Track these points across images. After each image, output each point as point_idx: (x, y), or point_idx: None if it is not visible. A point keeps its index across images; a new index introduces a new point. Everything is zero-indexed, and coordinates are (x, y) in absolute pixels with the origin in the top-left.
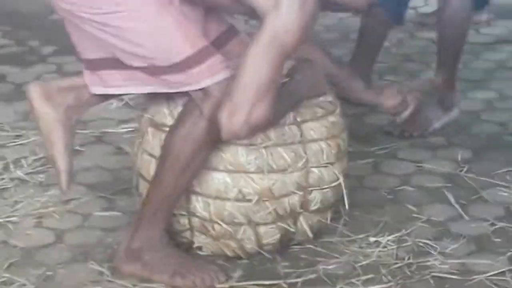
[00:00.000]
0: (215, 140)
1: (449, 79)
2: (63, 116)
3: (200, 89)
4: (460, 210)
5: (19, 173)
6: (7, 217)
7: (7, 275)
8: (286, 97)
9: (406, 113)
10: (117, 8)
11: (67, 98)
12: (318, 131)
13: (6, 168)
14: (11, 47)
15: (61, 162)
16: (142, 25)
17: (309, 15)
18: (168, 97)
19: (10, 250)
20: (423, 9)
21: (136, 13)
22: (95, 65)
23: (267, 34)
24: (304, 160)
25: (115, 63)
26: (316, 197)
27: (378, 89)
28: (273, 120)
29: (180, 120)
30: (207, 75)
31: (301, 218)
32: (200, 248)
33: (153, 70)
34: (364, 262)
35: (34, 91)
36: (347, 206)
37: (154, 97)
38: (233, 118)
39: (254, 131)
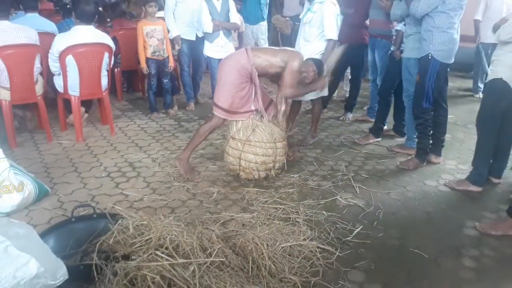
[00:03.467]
0: (211, 132)
1: (314, 131)
2: None
3: (216, 115)
4: (316, 166)
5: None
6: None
7: (179, 184)
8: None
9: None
10: (225, 74)
11: None
12: (280, 145)
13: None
14: None
15: None
16: (225, 82)
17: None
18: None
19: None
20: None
21: (228, 80)
22: None
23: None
24: (275, 153)
25: None
26: (278, 164)
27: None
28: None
29: (205, 122)
30: (219, 112)
31: (272, 170)
32: (241, 176)
33: (214, 102)
34: (289, 183)
35: None
36: (286, 168)
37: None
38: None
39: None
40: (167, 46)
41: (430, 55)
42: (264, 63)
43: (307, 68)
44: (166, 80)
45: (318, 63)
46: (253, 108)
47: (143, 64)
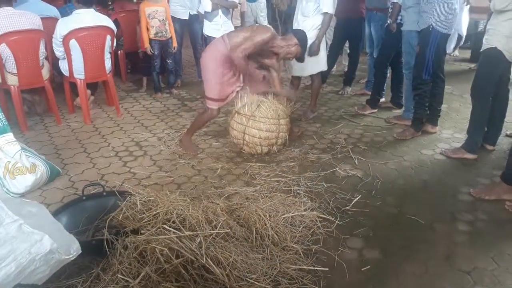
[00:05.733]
0: (207, 122)
1: (314, 105)
2: None
3: (209, 108)
4: (316, 139)
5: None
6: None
7: (184, 161)
8: None
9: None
10: (207, 65)
11: None
12: (283, 122)
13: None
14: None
15: None
16: (207, 74)
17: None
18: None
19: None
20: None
21: (209, 70)
22: None
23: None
24: (279, 129)
25: None
26: (280, 140)
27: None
28: None
29: (199, 114)
30: (211, 104)
31: (275, 146)
32: (244, 150)
33: (206, 95)
34: (290, 157)
35: None
36: (287, 143)
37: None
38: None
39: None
40: (169, 27)
41: (431, 26)
42: (238, 40)
43: (287, 42)
44: (170, 61)
45: (301, 36)
46: (239, 84)
47: (147, 45)
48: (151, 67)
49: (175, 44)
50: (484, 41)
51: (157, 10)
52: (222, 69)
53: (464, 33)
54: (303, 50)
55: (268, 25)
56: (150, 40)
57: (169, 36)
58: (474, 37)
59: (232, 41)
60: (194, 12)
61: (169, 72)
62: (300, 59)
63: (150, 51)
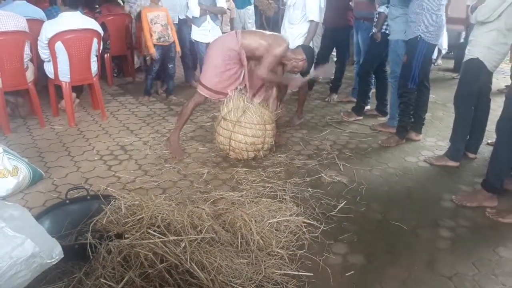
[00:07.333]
0: (194, 109)
1: (301, 112)
2: None
3: (199, 92)
4: (302, 145)
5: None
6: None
7: (170, 165)
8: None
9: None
10: (213, 54)
11: None
12: (269, 127)
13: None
14: None
15: None
16: (211, 63)
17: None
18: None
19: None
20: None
21: (214, 61)
22: None
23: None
24: (265, 134)
25: None
26: (266, 145)
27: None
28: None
29: (188, 100)
30: (202, 91)
31: (261, 151)
32: (230, 156)
33: (200, 80)
34: (276, 163)
35: None
36: (274, 149)
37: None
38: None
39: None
40: (172, 31)
41: (419, 36)
42: (253, 44)
43: (296, 56)
44: (172, 65)
45: (309, 52)
46: (238, 87)
47: (152, 50)
48: (147, 70)
49: (178, 48)
50: (466, 51)
51: (158, 14)
52: (225, 63)
53: (445, 46)
54: (309, 67)
55: (283, 35)
56: (153, 46)
57: (171, 40)
58: (457, 47)
59: (245, 41)
60: (183, 16)
61: (169, 78)
62: (305, 74)
63: (153, 57)
